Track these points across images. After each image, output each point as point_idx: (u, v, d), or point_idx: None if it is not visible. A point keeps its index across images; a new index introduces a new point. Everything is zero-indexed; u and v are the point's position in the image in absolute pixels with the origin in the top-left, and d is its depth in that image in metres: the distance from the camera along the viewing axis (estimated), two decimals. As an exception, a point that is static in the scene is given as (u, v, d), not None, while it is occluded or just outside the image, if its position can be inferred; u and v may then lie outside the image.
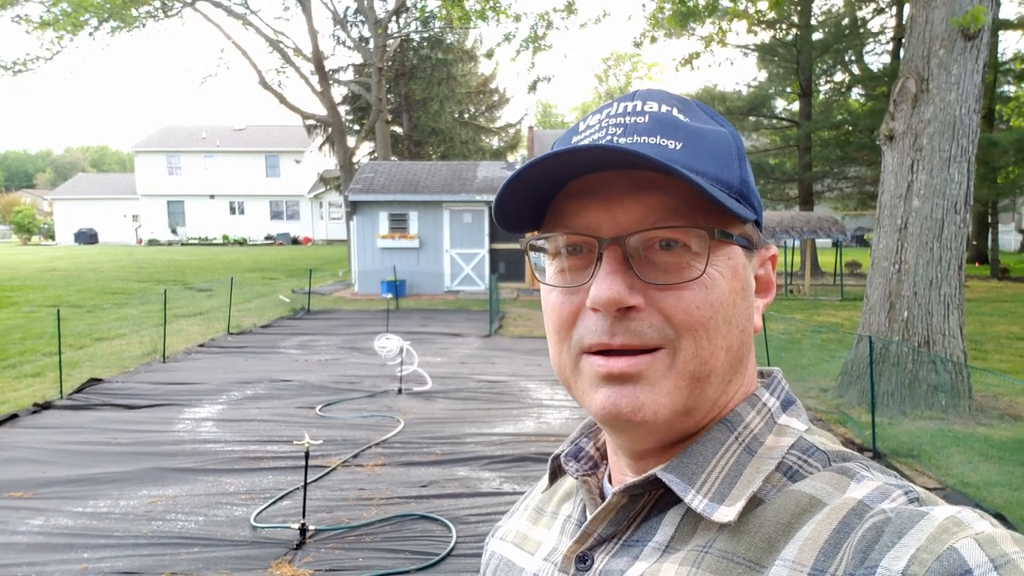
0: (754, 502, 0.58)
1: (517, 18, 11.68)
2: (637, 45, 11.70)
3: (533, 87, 13.41)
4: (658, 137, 0.59)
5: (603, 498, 0.68)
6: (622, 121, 0.61)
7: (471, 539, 4.18)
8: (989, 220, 24.10)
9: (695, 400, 0.60)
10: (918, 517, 0.50)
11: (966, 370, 7.03)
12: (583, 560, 0.63)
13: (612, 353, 0.60)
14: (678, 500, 0.61)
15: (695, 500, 0.58)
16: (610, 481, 0.69)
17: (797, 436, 0.63)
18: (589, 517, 0.65)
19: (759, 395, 0.65)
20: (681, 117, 0.62)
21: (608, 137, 0.61)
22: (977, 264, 25.04)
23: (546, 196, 0.64)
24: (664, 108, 0.62)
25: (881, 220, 7.28)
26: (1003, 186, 20.47)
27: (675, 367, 0.59)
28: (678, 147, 0.59)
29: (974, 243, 25.57)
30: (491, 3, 11.05)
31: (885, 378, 7.00)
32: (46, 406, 7.17)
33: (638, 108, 0.62)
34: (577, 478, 0.70)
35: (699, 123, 0.62)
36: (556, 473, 0.75)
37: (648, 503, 0.63)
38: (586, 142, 0.62)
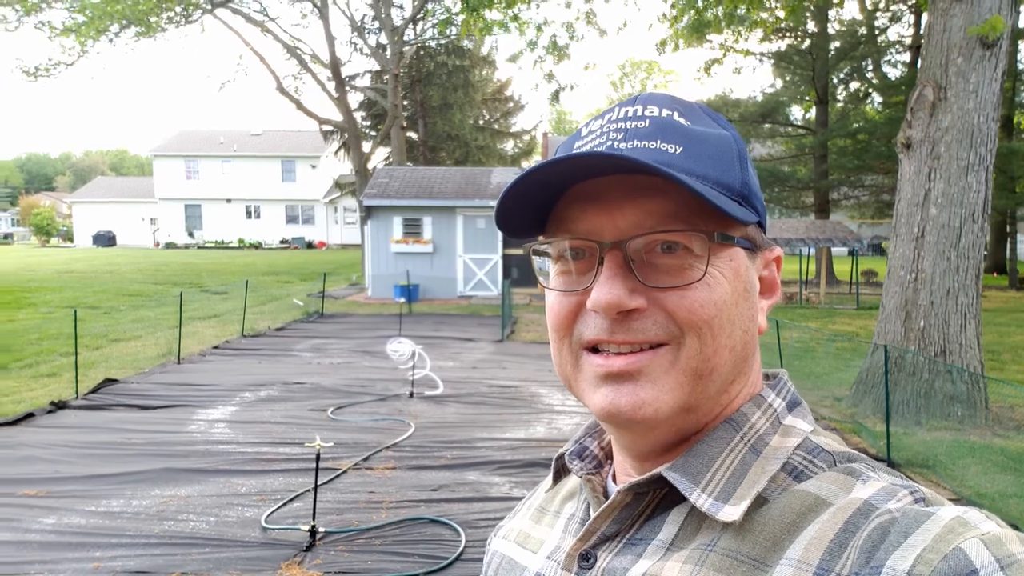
0: (759, 501, 0.58)
1: (539, 28, 11.66)
2: (660, 49, 11.62)
3: (555, 97, 13.31)
4: (658, 141, 0.60)
5: (607, 497, 0.68)
6: (623, 126, 0.62)
7: (480, 543, 4.17)
8: (1007, 230, 23.88)
9: (697, 397, 0.60)
10: (924, 517, 0.50)
11: (983, 380, 6.94)
12: (586, 558, 0.63)
13: (612, 352, 0.60)
14: (682, 499, 0.60)
15: (700, 499, 0.58)
16: (614, 480, 0.69)
17: (803, 437, 0.63)
18: (592, 515, 0.65)
19: (765, 396, 0.65)
20: (682, 121, 0.62)
21: (608, 143, 0.61)
22: (995, 274, 24.78)
23: (549, 202, 0.64)
24: (665, 112, 0.62)
25: (898, 228, 7.22)
26: (1022, 195, 20.26)
27: (678, 363, 0.59)
28: (678, 151, 0.60)
29: (986, 252, 25.29)
30: (512, 15, 11.04)
31: (900, 388, 6.93)
32: (62, 406, 7.24)
33: (639, 113, 0.63)
34: (581, 477, 0.70)
35: (701, 127, 0.63)
36: (560, 473, 0.76)
37: (652, 502, 0.63)
38: (587, 148, 0.63)
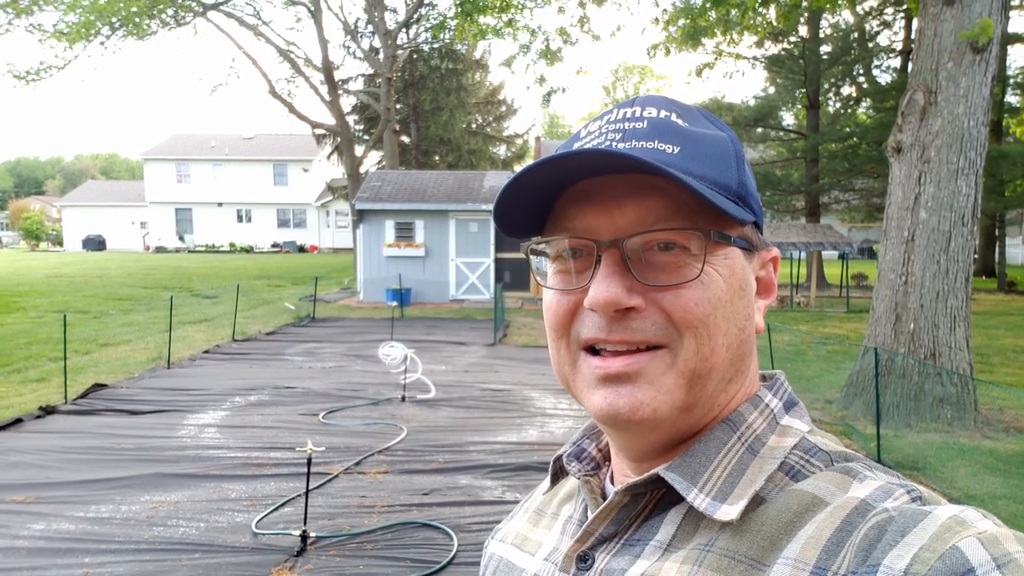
0: (756, 501, 0.58)
1: (533, 33, 11.68)
2: (651, 52, 11.63)
3: (547, 99, 13.33)
4: (656, 142, 0.60)
5: (605, 498, 0.68)
6: (621, 127, 0.62)
7: (472, 547, 4.16)
8: (996, 233, 24.04)
9: (695, 397, 0.60)
10: (921, 516, 0.50)
11: (972, 383, 6.98)
12: (584, 559, 0.63)
13: (609, 353, 0.60)
14: (680, 499, 0.61)
15: (697, 499, 0.58)
16: (612, 482, 0.69)
17: (800, 436, 0.63)
18: (590, 516, 0.65)
19: (762, 396, 0.65)
20: (680, 122, 0.63)
21: (607, 142, 0.62)
22: (984, 277, 24.94)
23: (548, 201, 0.64)
24: (663, 114, 0.63)
25: (888, 232, 7.25)
26: (1011, 199, 20.39)
27: (676, 366, 0.59)
28: (675, 151, 0.60)
29: (976, 256, 25.43)
30: (506, 21, 11.09)
31: (891, 390, 6.96)
32: (50, 411, 7.18)
33: (637, 114, 0.63)
34: (579, 478, 0.70)
35: (698, 128, 0.63)
36: (558, 475, 0.76)
37: (650, 503, 0.63)
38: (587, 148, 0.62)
